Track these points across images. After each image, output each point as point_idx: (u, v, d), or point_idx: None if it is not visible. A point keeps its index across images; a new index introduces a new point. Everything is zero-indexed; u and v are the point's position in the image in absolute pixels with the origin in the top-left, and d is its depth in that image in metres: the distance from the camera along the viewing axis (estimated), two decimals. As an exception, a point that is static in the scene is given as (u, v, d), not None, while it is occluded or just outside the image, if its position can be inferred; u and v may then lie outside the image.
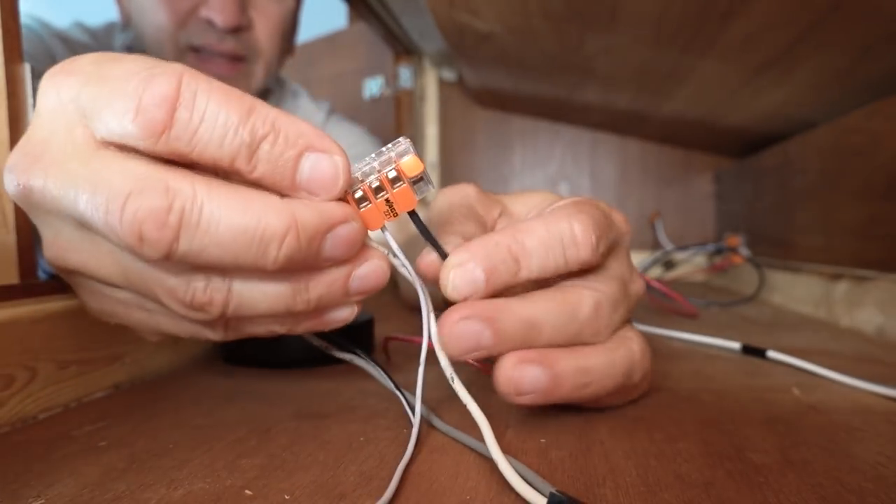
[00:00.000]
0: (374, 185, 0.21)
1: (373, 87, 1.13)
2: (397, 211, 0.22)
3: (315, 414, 0.29)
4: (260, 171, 0.19)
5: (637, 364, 0.26)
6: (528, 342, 0.23)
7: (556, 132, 1.18)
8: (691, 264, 1.04)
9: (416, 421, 0.24)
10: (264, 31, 0.65)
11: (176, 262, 0.18)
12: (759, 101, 0.74)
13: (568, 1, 0.60)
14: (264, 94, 0.75)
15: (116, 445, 0.24)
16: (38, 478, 0.21)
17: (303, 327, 0.23)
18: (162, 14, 0.61)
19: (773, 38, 0.55)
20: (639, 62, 0.73)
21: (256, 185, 0.19)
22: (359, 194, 0.21)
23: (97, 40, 0.71)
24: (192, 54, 0.63)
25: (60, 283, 0.31)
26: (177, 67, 0.18)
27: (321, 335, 0.34)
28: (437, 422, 0.27)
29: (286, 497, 0.20)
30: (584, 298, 0.24)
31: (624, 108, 0.90)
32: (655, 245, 1.11)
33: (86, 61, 0.21)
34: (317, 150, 0.19)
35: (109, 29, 0.74)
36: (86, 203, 0.18)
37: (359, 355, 0.33)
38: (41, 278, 0.30)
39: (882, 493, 0.20)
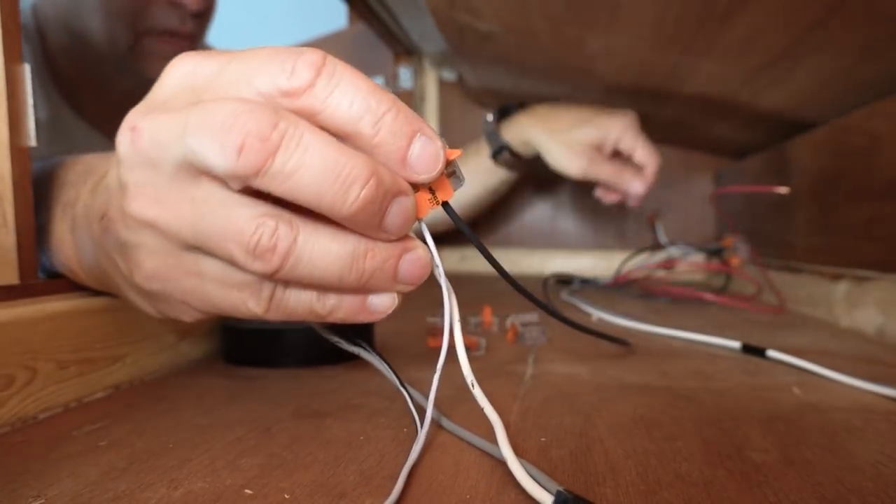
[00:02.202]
0: None
1: (373, 87, 1.13)
2: (438, 199, 0.23)
3: (315, 413, 0.29)
4: (381, 136, 0.21)
5: None
6: None
7: (556, 132, 1.18)
8: (691, 265, 1.04)
9: (426, 420, 0.24)
10: (207, 11, 0.67)
11: (259, 185, 0.20)
12: (759, 101, 0.74)
13: (568, 1, 0.60)
14: None
15: (116, 445, 0.24)
16: (37, 478, 0.21)
17: (343, 312, 0.24)
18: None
19: (773, 38, 0.55)
20: (639, 63, 0.73)
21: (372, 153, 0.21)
22: None
23: None
24: (147, 36, 0.64)
25: (60, 283, 0.31)
26: (317, 49, 0.21)
27: (331, 328, 0.34)
28: (444, 421, 0.27)
29: (286, 496, 0.20)
30: None
31: (624, 108, 0.90)
32: (655, 245, 1.11)
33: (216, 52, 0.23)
34: (427, 134, 0.21)
35: None
36: (194, 127, 0.20)
37: (365, 349, 0.33)
38: (41, 278, 0.30)
39: (882, 492, 0.20)
